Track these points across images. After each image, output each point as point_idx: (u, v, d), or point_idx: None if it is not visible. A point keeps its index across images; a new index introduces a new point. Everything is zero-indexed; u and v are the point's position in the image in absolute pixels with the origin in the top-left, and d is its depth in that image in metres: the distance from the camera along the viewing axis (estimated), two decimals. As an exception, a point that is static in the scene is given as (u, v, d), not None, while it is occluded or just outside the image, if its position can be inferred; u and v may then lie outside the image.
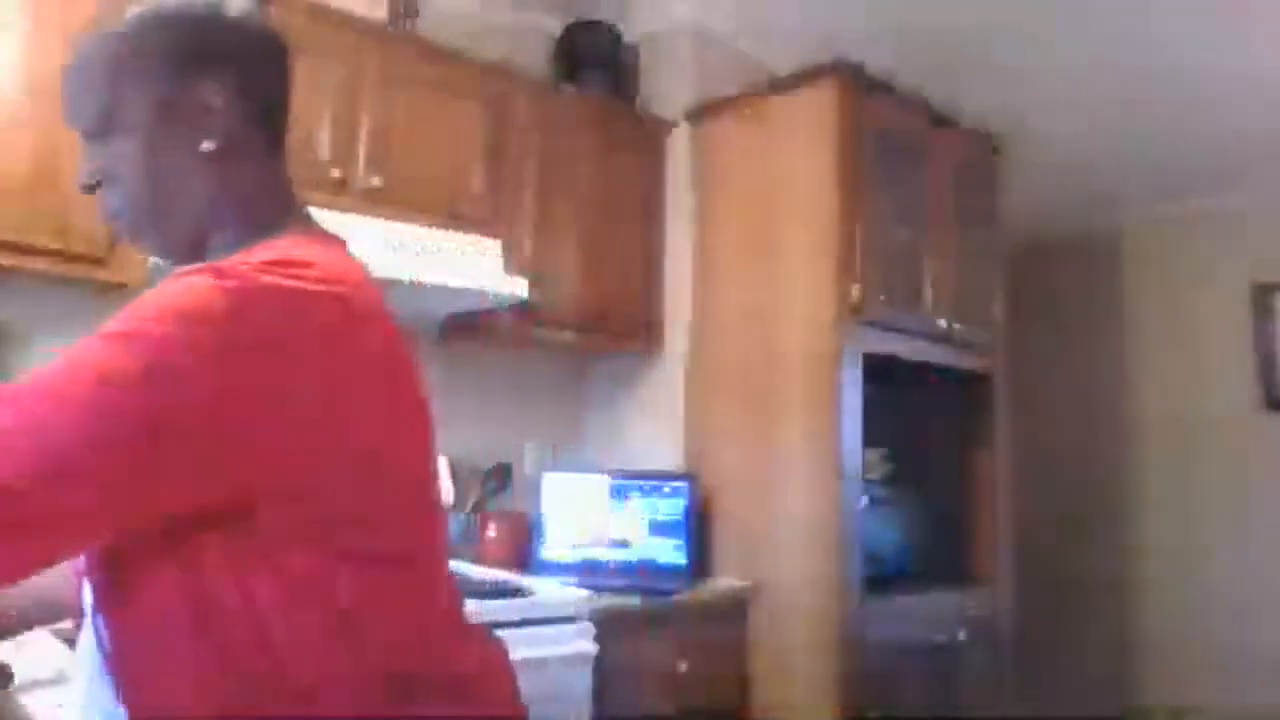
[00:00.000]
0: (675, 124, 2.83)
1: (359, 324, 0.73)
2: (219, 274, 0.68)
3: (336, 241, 0.85)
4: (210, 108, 0.80)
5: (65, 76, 0.82)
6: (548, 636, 1.93)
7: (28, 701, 1.03)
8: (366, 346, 0.74)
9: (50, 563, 0.65)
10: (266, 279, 0.68)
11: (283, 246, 0.76)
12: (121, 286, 1.86)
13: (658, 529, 2.46)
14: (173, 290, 0.68)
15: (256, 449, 0.66)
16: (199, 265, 0.70)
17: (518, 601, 1.99)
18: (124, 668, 0.73)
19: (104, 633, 0.74)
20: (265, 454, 0.67)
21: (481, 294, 2.22)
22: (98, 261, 1.78)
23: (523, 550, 2.49)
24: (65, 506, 0.61)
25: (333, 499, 0.71)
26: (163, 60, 0.79)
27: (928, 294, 2.63)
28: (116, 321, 0.68)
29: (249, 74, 0.83)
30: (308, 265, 0.72)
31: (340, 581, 0.71)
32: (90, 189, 0.81)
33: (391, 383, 0.77)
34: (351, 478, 0.71)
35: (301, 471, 0.69)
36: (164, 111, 0.79)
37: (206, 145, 0.80)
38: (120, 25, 0.80)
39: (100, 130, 0.80)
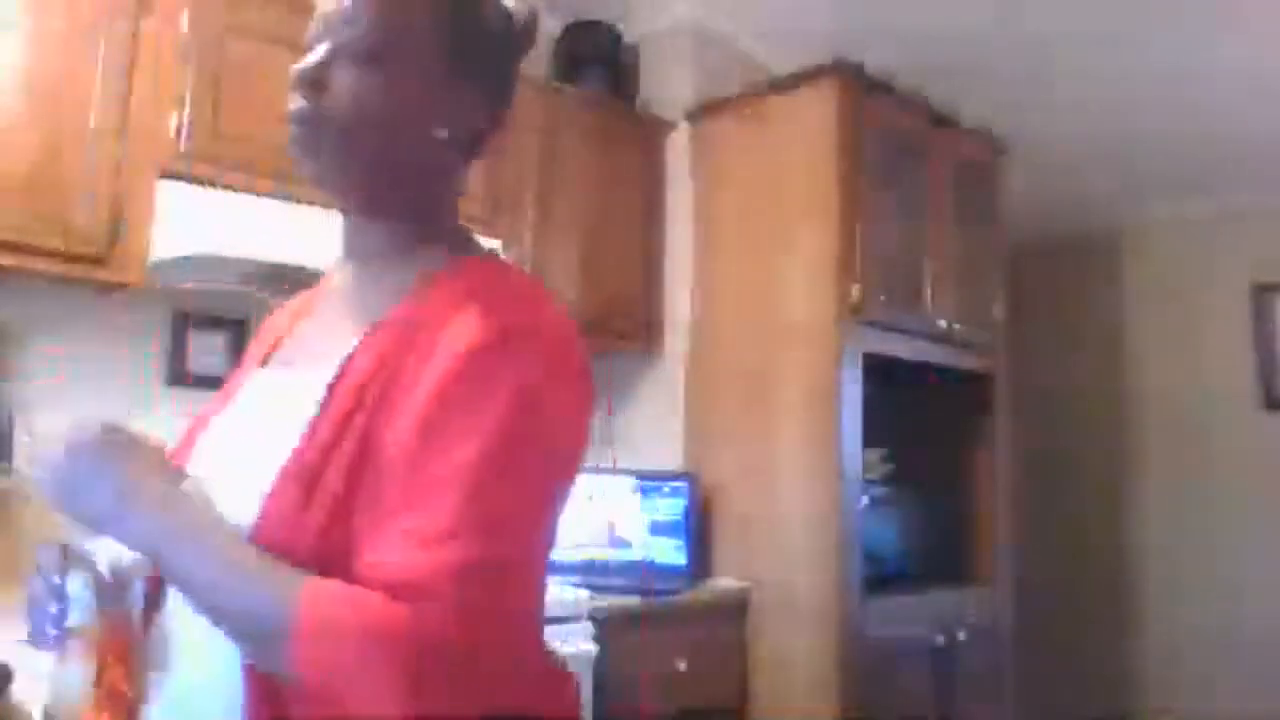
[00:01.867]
0: (675, 124, 2.83)
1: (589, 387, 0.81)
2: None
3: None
4: (460, 112, 0.82)
5: None
6: (548, 636, 1.92)
7: (23, 701, 1.03)
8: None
9: None
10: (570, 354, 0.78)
11: (523, 285, 0.81)
12: (122, 286, 1.86)
13: (658, 529, 2.46)
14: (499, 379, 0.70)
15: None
16: (497, 330, 0.71)
17: (518, 601, 1.99)
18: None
19: None
20: None
21: (481, 294, 2.21)
22: (98, 261, 1.78)
23: (523, 550, 2.49)
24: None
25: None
26: (457, 49, 0.81)
27: (928, 294, 2.63)
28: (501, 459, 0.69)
29: (493, 105, 0.86)
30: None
31: None
32: (304, 83, 0.76)
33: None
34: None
35: None
36: (429, 91, 0.79)
37: (441, 134, 0.80)
38: None
39: (369, 53, 0.76)
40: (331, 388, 0.73)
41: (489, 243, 2.32)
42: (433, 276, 0.78)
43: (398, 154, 0.79)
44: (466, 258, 0.82)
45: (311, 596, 0.63)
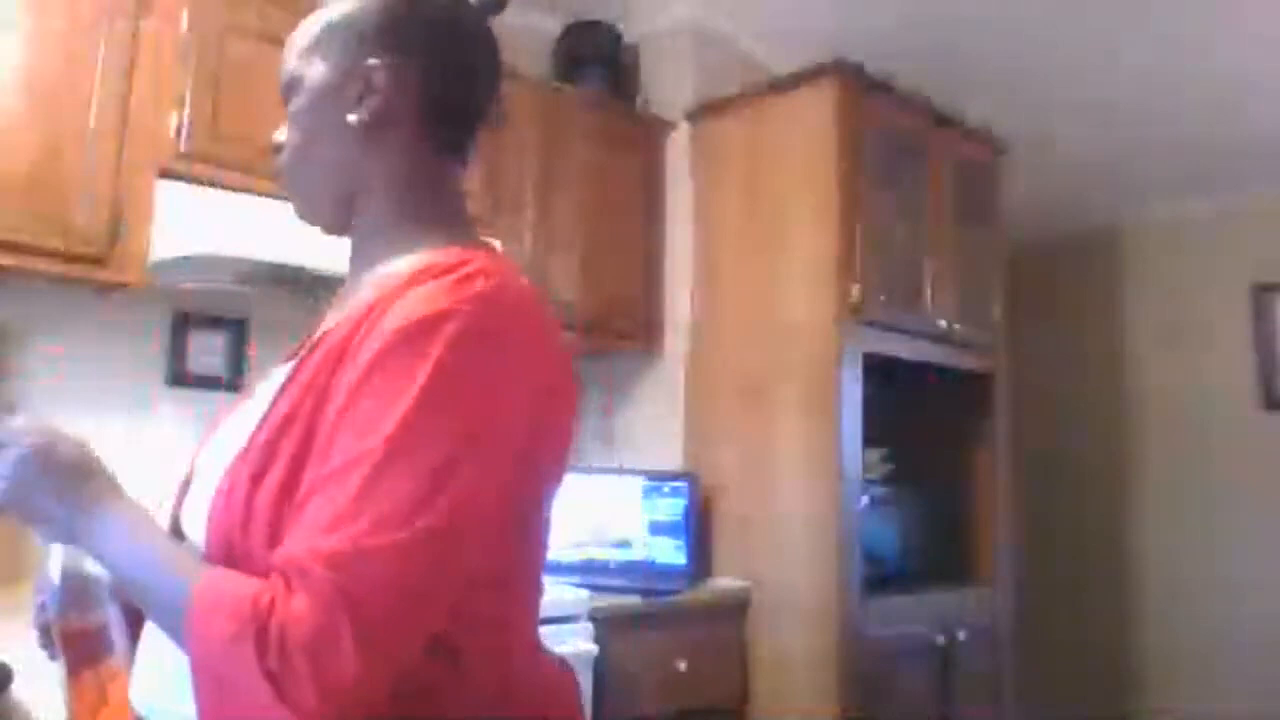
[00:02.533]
0: (675, 124, 2.83)
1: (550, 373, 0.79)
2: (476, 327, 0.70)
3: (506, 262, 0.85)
4: (372, 85, 0.81)
5: (294, 35, 0.88)
6: (548, 637, 1.90)
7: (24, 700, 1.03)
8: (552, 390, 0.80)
9: None
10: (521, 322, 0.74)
11: (485, 272, 0.75)
12: (122, 286, 1.86)
13: (658, 529, 2.46)
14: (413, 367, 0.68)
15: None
16: (418, 317, 0.69)
17: (518, 601, 1.99)
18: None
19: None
20: None
21: (481, 294, 2.21)
22: (98, 261, 1.78)
23: (523, 550, 2.49)
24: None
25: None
26: (348, 33, 0.83)
27: (928, 294, 2.63)
28: (433, 417, 0.68)
29: (426, 67, 0.83)
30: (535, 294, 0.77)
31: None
32: (276, 149, 0.87)
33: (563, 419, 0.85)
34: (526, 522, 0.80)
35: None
36: (331, 80, 0.82)
37: (353, 118, 0.81)
38: (343, 12, 0.85)
39: (285, 93, 0.85)
40: (286, 380, 0.75)
41: (488, 243, 2.33)
42: (393, 268, 0.80)
43: (326, 171, 0.84)
44: (433, 249, 0.80)
45: (207, 581, 0.66)
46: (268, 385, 0.80)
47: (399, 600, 0.63)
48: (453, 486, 0.65)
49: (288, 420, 0.71)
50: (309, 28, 0.85)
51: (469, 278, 0.71)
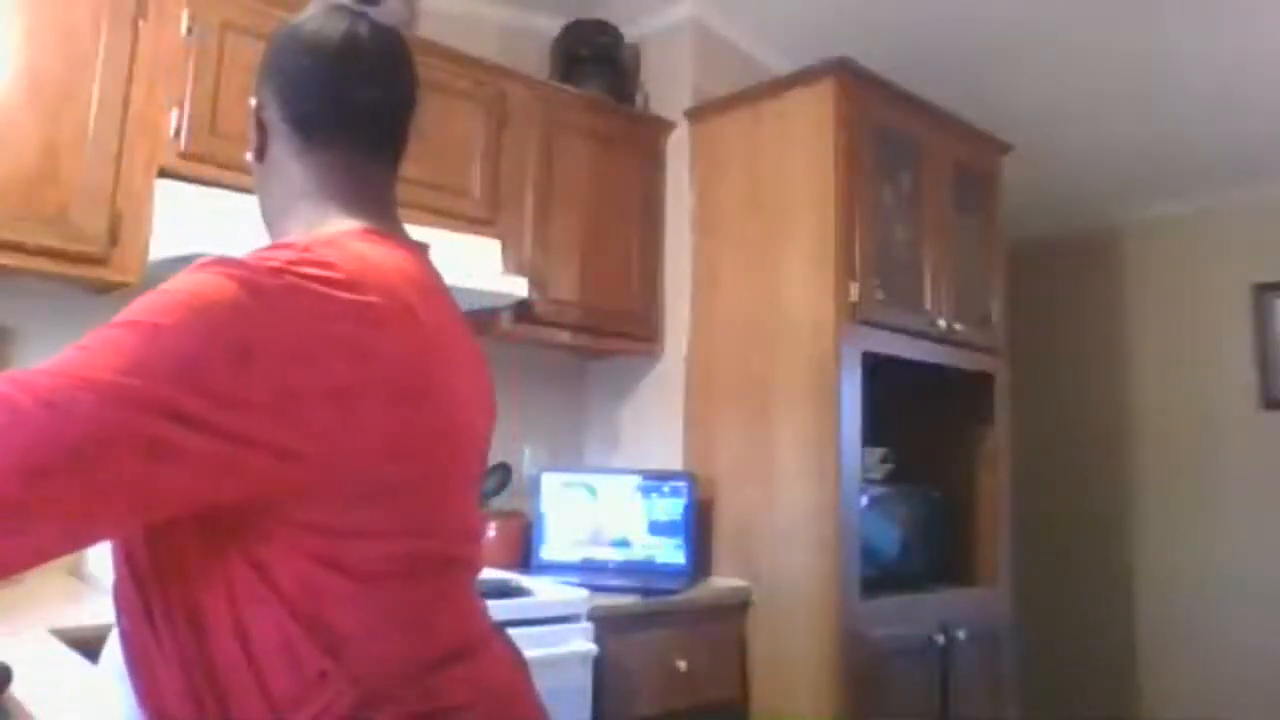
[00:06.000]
0: (675, 124, 2.83)
1: (373, 330, 0.72)
2: (225, 266, 0.68)
3: (399, 244, 0.86)
4: (255, 118, 0.92)
5: None
6: (548, 636, 1.93)
7: (25, 700, 1.03)
8: (382, 354, 0.72)
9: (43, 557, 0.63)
10: (277, 280, 0.68)
11: (319, 244, 0.76)
12: (122, 286, 1.86)
13: (657, 528, 2.46)
14: (185, 283, 0.67)
15: (258, 449, 0.65)
16: (210, 258, 0.70)
17: (518, 601, 1.99)
18: (130, 669, 0.75)
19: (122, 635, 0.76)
20: (267, 455, 0.66)
21: (480, 294, 2.21)
22: (97, 261, 1.78)
23: (522, 550, 2.49)
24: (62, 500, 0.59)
25: (331, 508, 0.70)
26: (258, 75, 0.93)
27: (928, 294, 2.63)
28: (127, 312, 0.67)
29: (284, 85, 0.91)
30: (329, 265, 0.71)
31: (327, 595, 0.71)
32: None
33: (411, 395, 0.75)
34: (357, 488, 0.71)
35: (302, 478, 0.68)
36: (251, 122, 0.93)
37: (249, 155, 0.93)
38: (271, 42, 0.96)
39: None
40: None
41: (489, 243, 2.33)
42: None
43: (261, 203, 0.94)
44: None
45: None
46: None
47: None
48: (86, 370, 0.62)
49: None
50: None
51: (258, 251, 0.72)
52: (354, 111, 0.90)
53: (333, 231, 0.83)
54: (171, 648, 0.71)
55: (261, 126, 0.91)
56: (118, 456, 0.60)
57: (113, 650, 0.81)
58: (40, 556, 0.62)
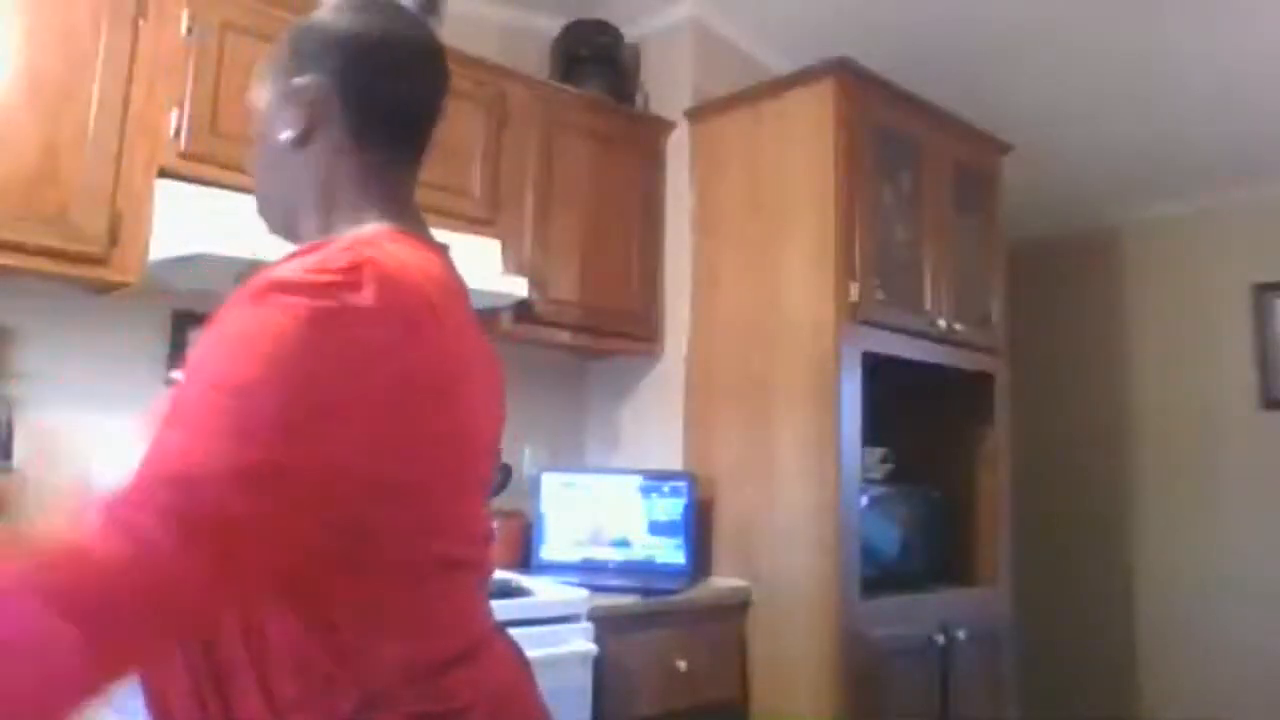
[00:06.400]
0: (675, 124, 2.83)
1: (410, 336, 0.73)
2: (286, 296, 0.68)
3: (429, 246, 0.86)
4: (302, 100, 0.87)
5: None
6: (548, 636, 1.93)
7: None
8: (413, 359, 0.73)
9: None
10: (334, 302, 0.68)
11: (363, 244, 0.76)
12: (122, 286, 1.86)
13: (657, 528, 2.46)
14: (253, 327, 0.67)
15: (348, 477, 0.69)
16: (264, 282, 0.69)
17: (518, 601, 1.99)
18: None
19: None
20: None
21: (480, 294, 2.21)
22: (97, 261, 1.78)
23: (522, 550, 2.49)
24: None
25: (343, 510, 0.70)
26: (288, 56, 0.89)
27: (927, 294, 2.63)
28: (211, 368, 0.67)
29: (348, 74, 0.87)
30: (379, 271, 0.71)
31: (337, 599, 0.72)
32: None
33: (438, 403, 0.76)
34: (370, 490, 0.71)
35: (340, 493, 0.69)
36: (276, 101, 0.89)
37: (286, 135, 0.87)
38: (290, 32, 0.92)
39: (253, 118, 0.91)
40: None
41: (489, 243, 2.33)
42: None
43: (272, 187, 0.91)
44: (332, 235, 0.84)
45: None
46: None
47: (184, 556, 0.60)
48: (262, 426, 0.63)
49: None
50: (263, 61, 0.93)
51: (331, 249, 0.74)
52: (408, 114, 0.91)
53: (369, 232, 0.82)
54: (178, 649, 0.71)
55: (313, 109, 0.86)
56: (255, 546, 0.64)
57: None
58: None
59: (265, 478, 0.63)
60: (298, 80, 0.87)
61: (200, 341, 0.69)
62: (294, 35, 0.90)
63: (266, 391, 0.64)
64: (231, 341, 0.67)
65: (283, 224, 0.91)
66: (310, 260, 0.71)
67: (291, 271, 0.69)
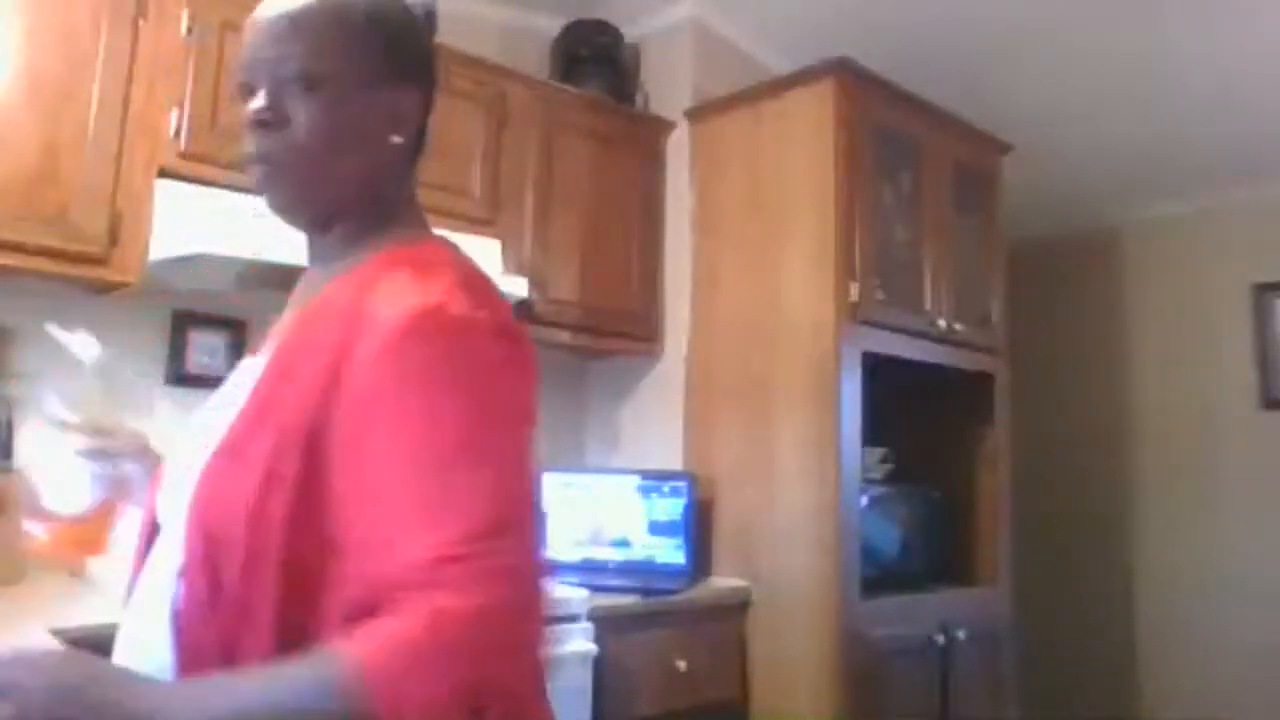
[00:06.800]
0: (675, 124, 2.83)
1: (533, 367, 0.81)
2: (498, 336, 0.75)
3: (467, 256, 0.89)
4: (399, 112, 0.85)
5: (292, 14, 0.82)
6: (547, 636, 1.92)
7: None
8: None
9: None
10: (508, 324, 0.77)
11: (466, 261, 0.83)
12: (122, 286, 1.86)
13: (657, 528, 2.46)
14: (465, 364, 0.72)
15: None
16: (448, 319, 0.72)
17: (517, 601, 1.99)
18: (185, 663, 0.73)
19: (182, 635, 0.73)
20: None
21: (481, 294, 2.21)
22: (97, 261, 1.78)
23: (522, 550, 2.49)
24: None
25: None
26: (387, 54, 0.85)
27: (928, 294, 2.63)
28: (449, 415, 0.70)
29: (428, 95, 0.89)
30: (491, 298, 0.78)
31: None
32: (260, 124, 0.80)
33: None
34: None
35: None
36: (372, 100, 0.83)
37: (397, 138, 0.85)
38: (379, 7, 0.85)
39: (308, 81, 0.80)
40: (264, 372, 0.78)
41: (489, 243, 2.33)
42: (363, 260, 0.82)
43: (356, 168, 0.83)
44: (399, 242, 0.84)
45: (356, 660, 0.61)
46: (240, 379, 0.83)
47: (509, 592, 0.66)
48: (512, 478, 0.70)
49: (264, 404, 0.74)
50: (340, 14, 0.83)
51: (436, 266, 0.77)
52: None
53: (449, 252, 0.85)
54: (253, 645, 0.70)
55: (406, 123, 0.86)
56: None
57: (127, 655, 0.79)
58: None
59: (528, 519, 0.70)
60: (402, 94, 0.85)
61: (391, 375, 0.69)
62: (391, 26, 0.85)
63: (497, 438, 0.70)
64: (452, 385, 0.70)
65: (323, 207, 0.84)
66: (466, 293, 0.74)
67: (464, 308, 0.72)
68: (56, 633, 1.35)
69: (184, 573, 0.73)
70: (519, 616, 0.66)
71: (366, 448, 0.68)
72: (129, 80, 1.83)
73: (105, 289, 1.92)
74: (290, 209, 0.84)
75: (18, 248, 1.70)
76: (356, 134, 0.83)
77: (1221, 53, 2.84)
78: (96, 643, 1.13)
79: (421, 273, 0.75)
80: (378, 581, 0.63)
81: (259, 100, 0.80)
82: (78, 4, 1.78)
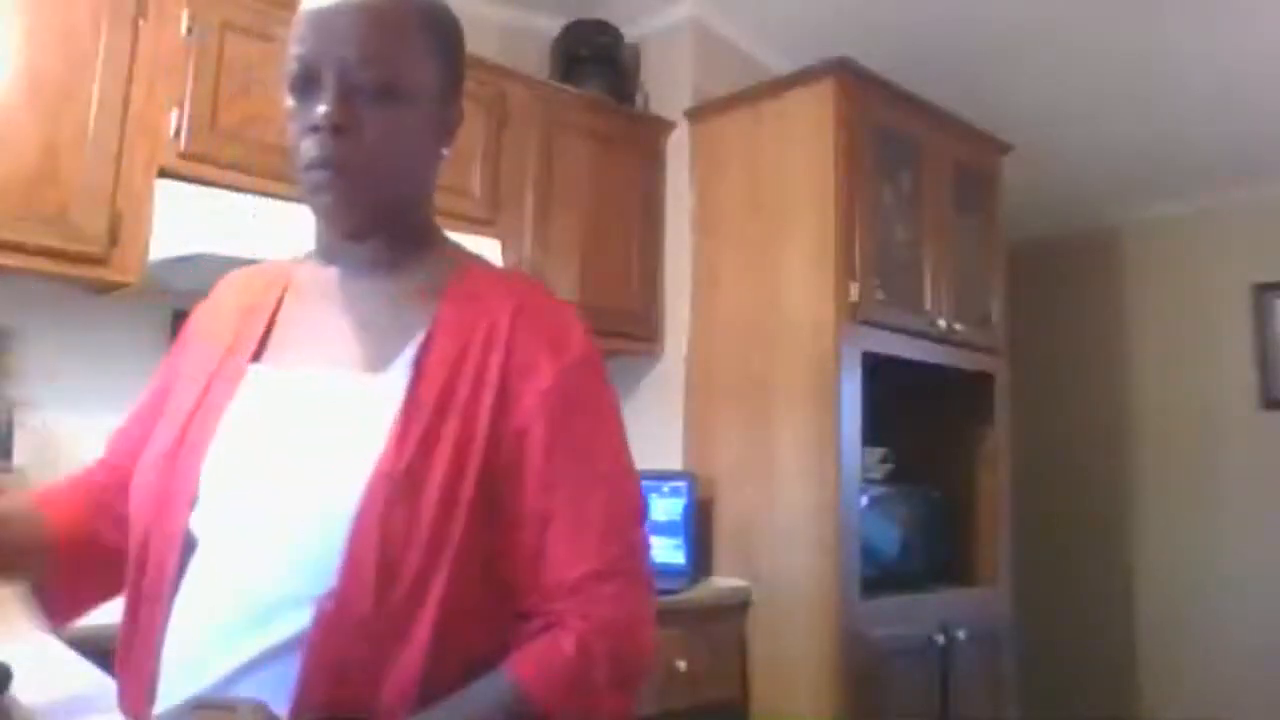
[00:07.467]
0: (675, 124, 2.83)
1: None
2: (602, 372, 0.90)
3: None
4: (453, 124, 0.90)
5: (376, 9, 0.79)
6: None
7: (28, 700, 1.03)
8: None
9: None
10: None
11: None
12: (122, 285, 1.86)
13: (657, 528, 2.46)
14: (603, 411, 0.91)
15: None
16: (596, 359, 0.88)
17: (517, 601, 1.99)
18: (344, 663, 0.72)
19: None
20: None
21: (481, 294, 2.21)
22: (97, 261, 1.78)
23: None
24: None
25: None
26: (457, 67, 0.89)
27: (928, 294, 2.63)
28: (595, 449, 0.88)
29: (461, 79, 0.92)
30: None
31: None
32: (335, 129, 0.77)
33: None
34: None
35: None
36: (439, 113, 0.86)
37: (446, 151, 0.90)
38: (449, 16, 0.87)
39: (391, 89, 0.79)
40: (412, 390, 0.77)
41: (489, 243, 2.33)
42: (457, 277, 0.86)
43: (414, 179, 0.86)
44: (463, 258, 0.91)
45: (528, 684, 0.73)
46: (313, 389, 0.80)
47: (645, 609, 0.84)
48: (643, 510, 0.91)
49: (432, 429, 0.76)
50: (436, 26, 0.84)
51: (539, 286, 0.91)
52: None
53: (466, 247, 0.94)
54: (405, 664, 0.71)
55: (452, 123, 0.90)
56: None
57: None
58: None
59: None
60: (455, 106, 0.89)
61: (559, 406, 0.81)
62: (458, 37, 0.89)
63: (630, 458, 0.92)
64: (609, 415, 0.91)
65: (375, 218, 0.82)
66: (581, 327, 0.87)
67: (592, 346, 0.86)
68: (57, 632, 1.34)
69: (336, 594, 0.71)
70: (652, 619, 0.83)
71: (538, 472, 0.78)
72: (129, 80, 1.83)
73: (105, 289, 1.92)
74: (343, 216, 0.81)
75: (18, 248, 1.70)
76: (422, 146, 0.85)
77: (1221, 53, 2.83)
78: (97, 644, 1.13)
79: (547, 296, 0.87)
80: (547, 594, 0.76)
81: (327, 103, 0.77)
82: (78, 4, 1.78)
